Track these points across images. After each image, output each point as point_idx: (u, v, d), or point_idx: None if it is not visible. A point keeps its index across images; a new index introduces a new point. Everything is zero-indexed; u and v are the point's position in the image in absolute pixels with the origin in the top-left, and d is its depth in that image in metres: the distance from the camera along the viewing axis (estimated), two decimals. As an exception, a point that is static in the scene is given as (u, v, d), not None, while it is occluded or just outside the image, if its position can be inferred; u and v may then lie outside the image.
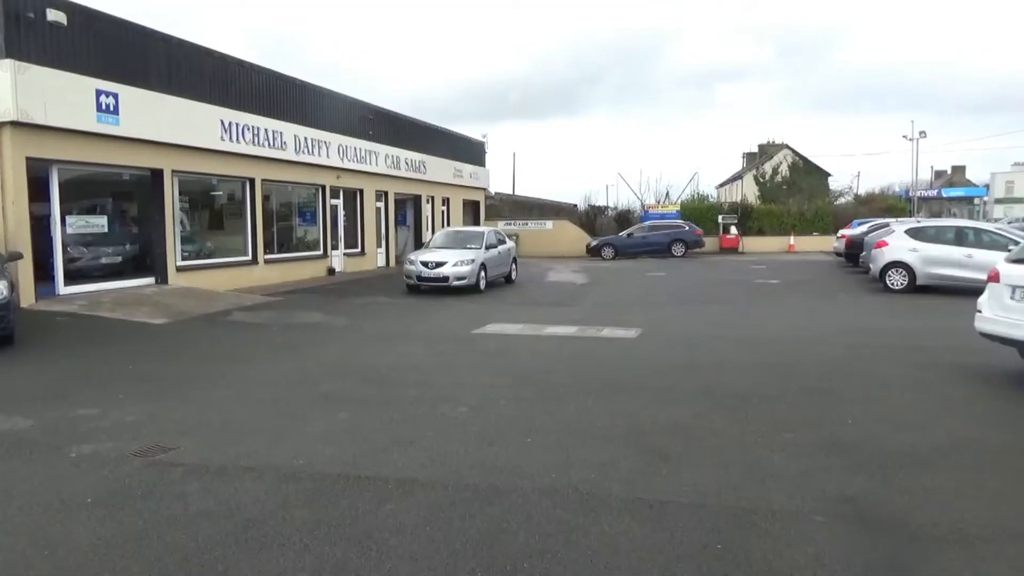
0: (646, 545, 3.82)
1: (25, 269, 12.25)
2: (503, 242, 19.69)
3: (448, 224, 31.43)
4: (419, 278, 16.87)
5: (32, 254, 12.55)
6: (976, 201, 69.51)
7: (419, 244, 30.21)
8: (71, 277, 13.83)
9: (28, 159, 12.47)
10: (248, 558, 3.71)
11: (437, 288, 16.89)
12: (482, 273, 17.53)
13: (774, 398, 6.90)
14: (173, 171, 15.80)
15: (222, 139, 16.94)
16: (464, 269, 16.76)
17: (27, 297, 12.31)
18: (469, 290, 17.02)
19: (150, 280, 15.58)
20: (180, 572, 3.58)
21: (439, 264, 16.78)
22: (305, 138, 20.17)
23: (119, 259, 15.45)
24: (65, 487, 4.73)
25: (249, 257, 18.64)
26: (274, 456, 5.29)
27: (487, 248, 18.09)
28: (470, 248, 17.74)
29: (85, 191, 14.86)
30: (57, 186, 13.38)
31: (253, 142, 18.01)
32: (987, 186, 72.29)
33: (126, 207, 16.32)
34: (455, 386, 7.56)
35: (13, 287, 9.93)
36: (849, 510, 4.24)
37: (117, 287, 14.56)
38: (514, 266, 20.27)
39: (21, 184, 12.37)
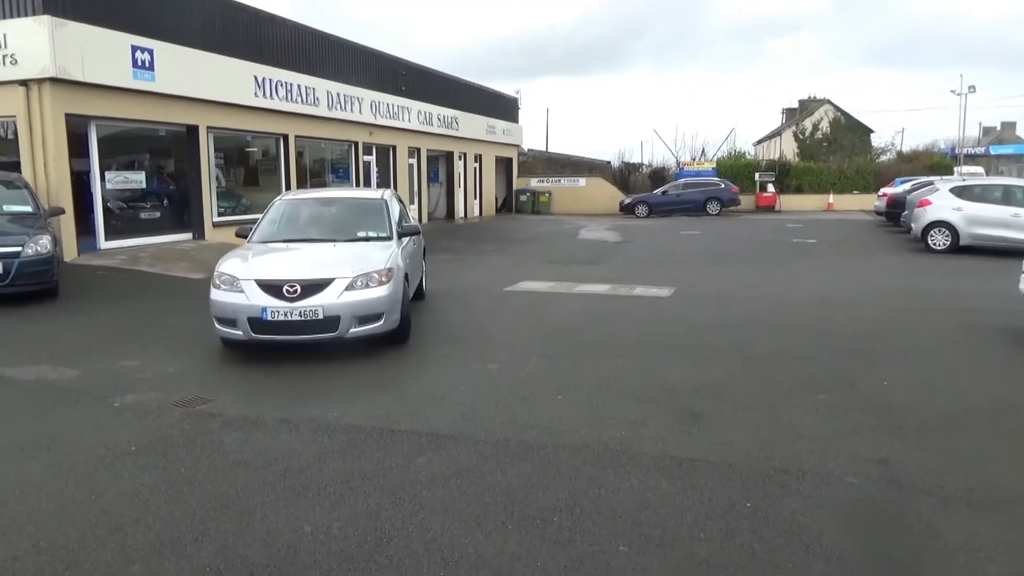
0: (675, 502, 3.84)
1: (67, 224, 12.50)
2: (407, 220, 9.40)
3: (481, 183, 31.25)
4: (258, 326, 6.63)
5: (73, 209, 12.80)
6: (1025, 159, 67.06)
7: (451, 202, 30.09)
8: (111, 232, 14.10)
9: (67, 116, 12.63)
10: (285, 506, 3.82)
11: (296, 345, 6.90)
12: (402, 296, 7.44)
13: (808, 358, 6.82)
14: (208, 127, 15.91)
15: (255, 95, 16.96)
16: (375, 294, 6.85)
17: (69, 252, 12.59)
18: (380, 341, 7.18)
19: (187, 235, 15.83)
20: (220, 518, 3.70)
21: (311, 286, 6.68)
22: (338, 94, 20.11)
23: (157, 215, 15.70)
24: (110, 436, 4.90)
25: (284, 213, 18.78)
26: (309, 409, 5.40)
27: (399, 237, 8.14)
28: (370, 240, 7.92)
29: (123, 147, 15.05)
30: (96, 142, 13.57)
31: (286, 98, 18.01)
32: (1039, 143, 69.60)
33: (163, 163, 16.50)
34: (486, 343, 7.61)
35: (56, 242, 10.16)
36: (882, 472, 4.21)
37: (155, 242, 14.82)
38: (423, 266, 10.22)
39: (61, 141, 12.56)
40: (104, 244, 13.82)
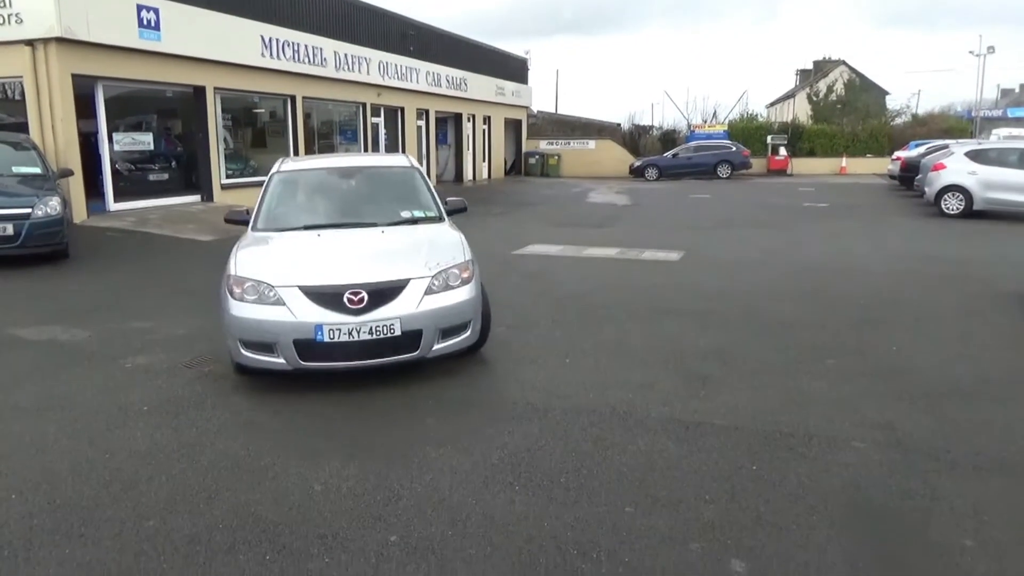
0: (681, 465, 3.87)
1: (76, 186, 12.51)
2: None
3: (490, 146, 30.98)
4: (310, 351, 4.80)
5: (82, 171, 12.79)
6: (1044, 122, 65.91)
7: (460, 165, 29.84)
8: (120, 194, 14.11)
9: (74, 76, 12.55)
10: (297, 465, 3.87)
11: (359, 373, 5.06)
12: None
13: (817, 324, 6.80)
14: (215, 88, 15.79)
15: (263, 55, 16.79)
16: (459, 296, 5.19)
17: (79, 213, 12.62)
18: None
19: (196, 197, 15.83)
20: (232, 477, 3.75)
21: (380, 292, 4.90)
22: (345, 54, 19.88)
23: (165, 176, 15.68)
24: (122, 396, 4.96)
25: (292, 176, 18.71)
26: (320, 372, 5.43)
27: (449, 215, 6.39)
28: (419, 222, 6.14)
29: (130, 108, 14.98)
30: (103, 103, 13.51)
31: (293, 58, 17.82)
32: (1057, 106, 68.34)
33: (170, 125, 16.44)
34: (493, 307, 7.60)
35: (66, 203, 10.18)
36: (889, 437, 4.21)
37: (164, 204, 14.84)
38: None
39: (68, 101, 12.50)
40: (113, 206, 13.85)
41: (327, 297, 4.82)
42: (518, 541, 3.15)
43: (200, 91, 15.46)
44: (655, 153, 34.10)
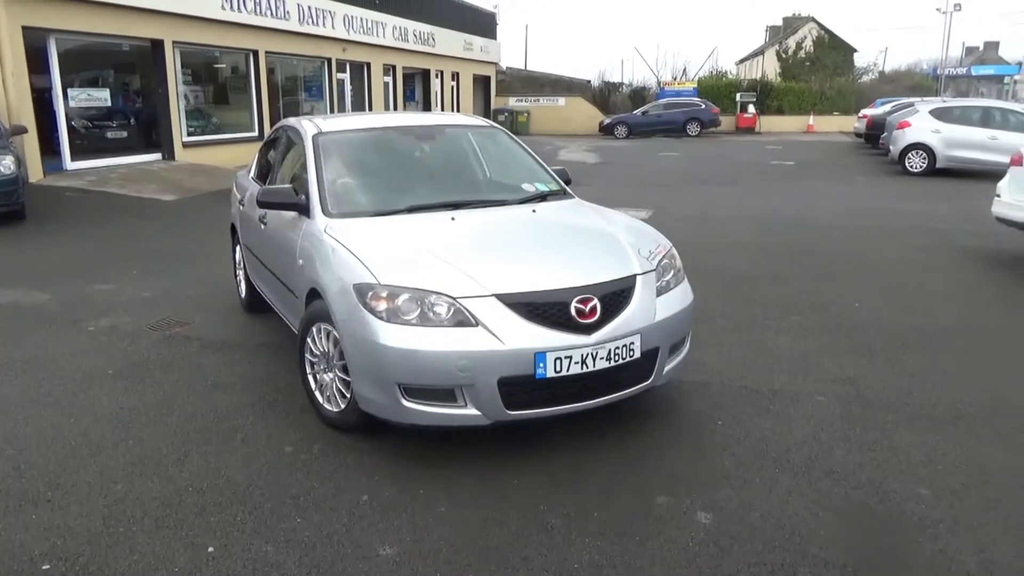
0: (651, 422, 3.93)
1: (31, 144, 12.10)
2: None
3: (459, 102, 30.52)
4: (523, 392, 3.32)
5: (36, 128, 12.37)
6: (1006, 80, 66.70)
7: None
8: (78, 152, 13.69)
9: (24, 28, 12.05)
10: (266, 427, 3.86)
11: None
12: None
13: (783, 280, 6.91)
14: (174, 42, 15.28)
15: (223, 7, 16.25)
16: (683, 297, 3.92)
17: (35, 172, 12.24)
18: None
19: (157, 156, 15.42)
20: (201, 440, 3.73)
21: (612, 298, 3.48)
22: (309, 7, 19.32)
23: (124, 134, 15.22)
24: (86, 360, 4.88)
25: (256, 133, 18.29)
26: (289, 331, 5.39)
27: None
28: (548, 198, 4.69)
29: (85, 63, 14.45)
30: (56, 57, 13.01)
31: (255, 11, 17.29)
32: (1020, 64, 69.15)
33: (128, 80, 15.91)
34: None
35: (20, 162, 9.85)
36: (850, 390, 4.33)
37: (124, 162, 14.43)
38: None
39: (20, 55, 12.01)
40: (70, 164, 13.45)
41: (545, 309, 3.31)
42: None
43: (158, 45, 14.95)
44: (625, 110, 33.99)
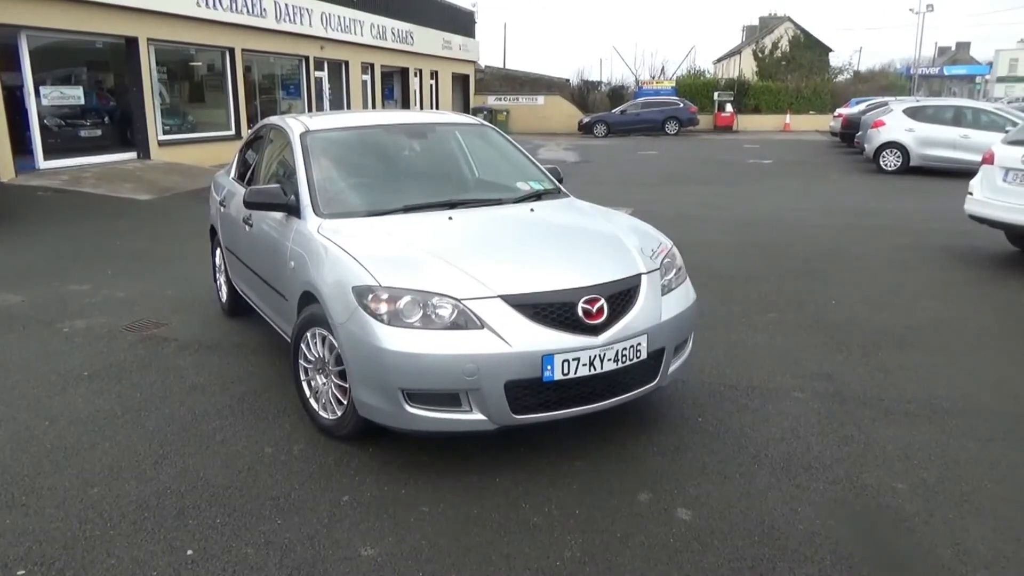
0: (629, 419, 3.95)
1: (1, 142, 11.92)
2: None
3: (438, 101, 30.44)
4: (531, 397, 3.27)
5: (8, 127, 12.17)
6: (977, 79, 67.88)
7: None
8: (50, 151, 13.48)
9: (-6, 25, 11.87)
10: (245, 428, 3.83)
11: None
12: None
13: (760, 278, 6.97)
14: (149, 39, 15.10)
15: (198, 5, 16.09)
16: (687, 296, 3.99)
17: (6, 171, 12.05)
18: None
19: (132, 155, 15.23)
20: (179, 441, 3.69)
21: (619, 297, 3.46)
22: (286, 5, 19.18)
23: (99, 132, 15.02)
24: (61, 361, 4.81)
25: (232, 132, 18.15)
26: (268, 331, 5.35)
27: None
28: (543, 197, 4.63)
29: (58, 60, 14.23)
30: (28, 54, 12.80)
31: (231, 8, 17.13)
32: (991, 64, 70.37)
33: (102, 78, 15.70)
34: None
35: (-9, 161, 9.69)
36: (827, 387, 4.38)
37: (99, 161, 14.24)
38: None
39: (-11, 52, 11.83)
40: (43, 164, 13.24)
41: (551, 310, 3.25)
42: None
43: (132, 42, 14.76)
44: (604, 109, 34.10)
